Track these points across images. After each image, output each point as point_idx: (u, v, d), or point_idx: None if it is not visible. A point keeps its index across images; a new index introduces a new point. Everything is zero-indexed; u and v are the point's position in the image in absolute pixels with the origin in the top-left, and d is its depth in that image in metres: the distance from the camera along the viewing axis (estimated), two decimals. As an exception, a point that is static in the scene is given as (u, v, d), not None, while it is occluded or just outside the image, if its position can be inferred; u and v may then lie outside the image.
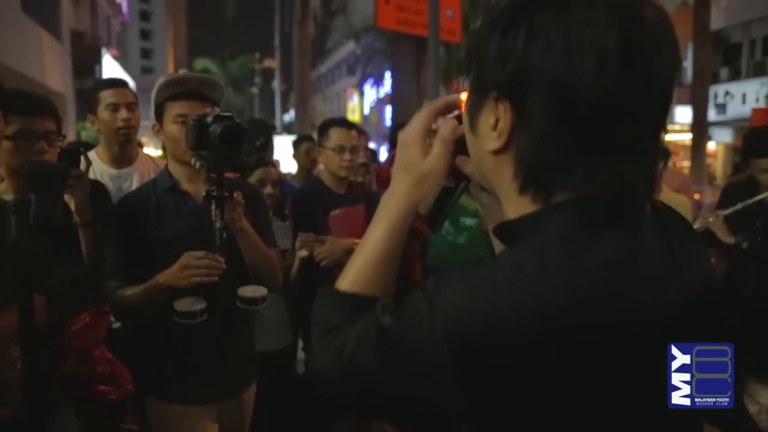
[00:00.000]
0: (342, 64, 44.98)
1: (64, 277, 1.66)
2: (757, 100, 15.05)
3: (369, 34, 28.97)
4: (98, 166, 2.37)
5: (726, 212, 2.76)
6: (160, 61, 64.16)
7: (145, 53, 64.86)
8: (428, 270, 3.14)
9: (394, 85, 9.94)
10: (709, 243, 2.91)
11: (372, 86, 33.87)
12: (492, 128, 0.64)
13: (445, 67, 12.63)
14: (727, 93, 16.50)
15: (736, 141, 16.15)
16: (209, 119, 1.62)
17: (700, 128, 12.70)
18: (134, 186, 2.37)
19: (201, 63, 37.88)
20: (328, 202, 2.61)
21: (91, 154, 2.42)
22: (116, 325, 1.96)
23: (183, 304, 1.64)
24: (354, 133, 2.72)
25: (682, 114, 15.68)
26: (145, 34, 64.43)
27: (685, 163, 14.97)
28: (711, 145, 16.14)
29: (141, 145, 3.01)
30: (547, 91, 0.60)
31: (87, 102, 2.53)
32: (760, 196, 2.72)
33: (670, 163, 3.80)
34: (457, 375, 0.56)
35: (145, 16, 63.97)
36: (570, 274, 0.57)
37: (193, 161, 1.66)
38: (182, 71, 1.90)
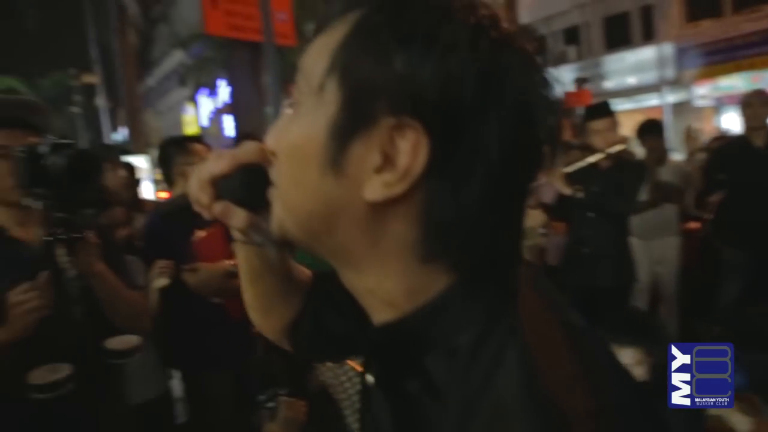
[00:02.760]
0: (171, 75, 42.44)
1: None
2: (565, 84, 17.06)
3: (197, 42, 27.76)
4: None
5: (566, 170, 3.16)
6: (-52, 83, 55.53)
7: (-72, 75, 55.74)
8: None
9: (232, 93, 9.60)
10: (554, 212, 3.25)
11: (207, 96, 32.46)
12: (376, 169, 0.44)
13: (281, 72, 12.51)
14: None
15: (553, 122, 18.22)
16: (43, 149, 1.38)
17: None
18: None
19: (5, 82, 33.37)
20: (187, 225, 2.41)
21: None
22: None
23: (40, 377, 1.37)
24: (197, 147, 2.55)
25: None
26: (-76, 54, 55.33)
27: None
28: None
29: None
30: (511, 115, 0.42)
31: None
32: (592, 158, 3.12)
33: None
34: None
35: None
36: None
37: (30, 202, 1.41)
38: (-3, 96, 1.60)
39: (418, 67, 0.41)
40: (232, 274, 2.42)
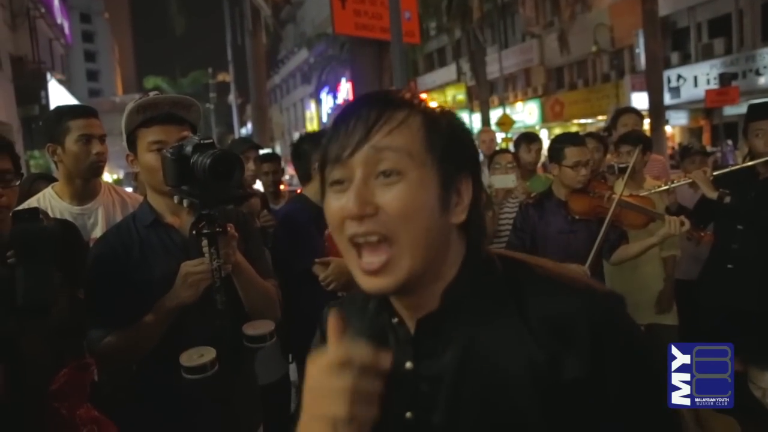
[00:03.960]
0: (296, 73, 44.77)
1: (37, 333, 1.46)
2: (708, 81, 15.51)
3: (321, 41, 28.95)
4: (57, 204, 2.15)
5: (716, 173, 2.85)
6: (107, 82, 62.63)
7: (92, 75, 63.27)
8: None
9: (355, 91, 9.82)
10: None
11: (328, 93, 33.75)
12: (455, 204, 0.74)
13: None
14: (679, 77, 16.98)
15: (692, 123, 16.64)
16: (188, 149, 1.44)
17: (657, 113, 13.00)
18: (99, 222, 2.17)
19: (151, 81, 37.05)
20: (321, 219, 2.44)
21: (47, 192, 2.21)
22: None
23: (190, 358, 1.45)
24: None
25: (639, 100, 16.04)
26: (89, 56, 62.87)
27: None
28: (668, 128, 16.55)
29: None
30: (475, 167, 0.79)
31: (44, 130, 2.29)
32: (752, 162, 2.77)
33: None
34: None
35: (88, 36, 62.40)
36: None
37: (175, 199, 1.48)
38: (152, 93, 1.70)
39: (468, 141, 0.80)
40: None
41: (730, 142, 13.94)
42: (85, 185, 2.22)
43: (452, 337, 0.74)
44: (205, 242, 1.45)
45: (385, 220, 0.69)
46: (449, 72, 27.99)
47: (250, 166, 3.45)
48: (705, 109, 14.34)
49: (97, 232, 2.13)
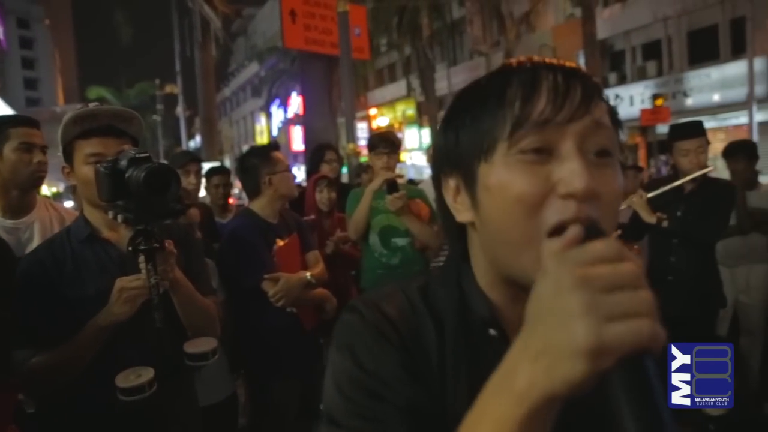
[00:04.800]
0: (246, 86, 44.23)
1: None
2: (642, 101, 16.32)
3: (272, 55, 28.76)
4: None
5: (649, 195, 2.92)
6: (47, 91, 60.12)
7: (30, 83, 60.63)
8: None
9: (305, 105, 9.81)
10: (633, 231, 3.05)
11: (278, 107, 33.50)
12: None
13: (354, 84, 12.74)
14: (617, 96, 17.79)
15: (629, 140, 17.40)
16: (123, 163, 1.41)
17: (597, 130, 13.55)
18: (35, 237, 2.09)
19: (95, 92, 35.79)
20: (269, 234, 2.44)
21: None
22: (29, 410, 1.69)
23: (126, 379, 1.40)
24: (278, 156, 2.59)
25: (580, 118, 16.64)
26: (27, 63, 60.26)
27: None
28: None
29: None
30: None
31: None
32: (679, 181, 2.90)
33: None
34: None
35: (26, 43, 59.84)
36: None
37: (110, 215, 1.45)
38: (93, 104, 1.65)
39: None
40: (310, 285, 2.44)
41: (663, 157, 14.68)
42: (21, 197, 2.13)
43: None
44: (142, 258, 1.42)
45: (597, 204, 0.56)
46: (399, 88, 28.31)
47: (192, 179, 3.42)
48: (640, 127, 15.07)
49: (32, 248, 2.06)
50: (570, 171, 0.55)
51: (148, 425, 1.51)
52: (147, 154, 1.45)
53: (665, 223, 2.86)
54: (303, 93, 9.98)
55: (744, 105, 13.63)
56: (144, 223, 1.42)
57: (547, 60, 0.61)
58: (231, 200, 4.13)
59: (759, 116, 13.49)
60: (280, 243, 2.38)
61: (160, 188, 1.39)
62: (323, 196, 3.36)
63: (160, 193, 1.39)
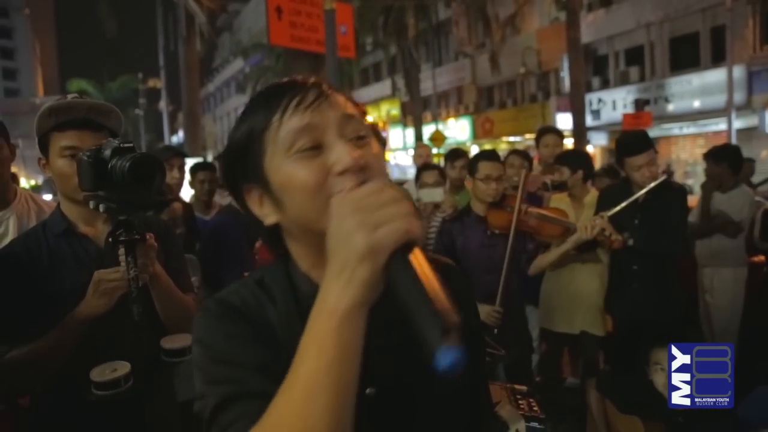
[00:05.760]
0: (231, 82, 43.85)
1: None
2: (625, 105, 16.52)
3: (257, 51, 28.56)
4: None
5: (609, 213, 2.87)
6: (27, 82, 59.07)
7: (8, 73, 59.52)
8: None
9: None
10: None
11: (264, 103, 33.23)
12: None
13: (340, 82, 12.70)
14: (600, 100, 17.99)
15: (611, 144, 17.62)
16: (106, 153, 1.39)
17: (580, 133, 13.71)
18: (11, 232, 2.04)
19: (76, 84, 35.19)
20: (251, 232, 2.43)
21: None
22: None
23: (102, 373, 1.38)
24: None
25: (563, 120, 16.83)
26: (6, 53, 59.14)
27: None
28: (589, 148, 17.46)
29: (16, 179, 2.62)
30: None
31: None
32: (635, 195, 2.89)
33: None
34: None
35: (5, 32, 58.72)
36: None
37: (91, 205, 1.42)
38: (71, 96, 1.63)
39: None
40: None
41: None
42: None
43: None
44: (121, 250, 1.41)
45: (368, 170, 0.73)
46: (384, 87, 28.31)
47: (174, 174, 3.39)
48: (623, 132, 15.27)
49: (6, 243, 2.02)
50: (337, 154, 0.72)
51: (125, 420, 1.49)
52: (131, 144, 1.43)
53: (630, 242, 2.88)
54: (288, 90, 9.93)
55: (723, 112, 13.89)
56: (126, 213, 1.40)
57: (296, 79, 0.78)
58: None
59: (737, 123, 13.75)
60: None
61: (146, 179, 1.37)
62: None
63: (145, 184, 1.38)
